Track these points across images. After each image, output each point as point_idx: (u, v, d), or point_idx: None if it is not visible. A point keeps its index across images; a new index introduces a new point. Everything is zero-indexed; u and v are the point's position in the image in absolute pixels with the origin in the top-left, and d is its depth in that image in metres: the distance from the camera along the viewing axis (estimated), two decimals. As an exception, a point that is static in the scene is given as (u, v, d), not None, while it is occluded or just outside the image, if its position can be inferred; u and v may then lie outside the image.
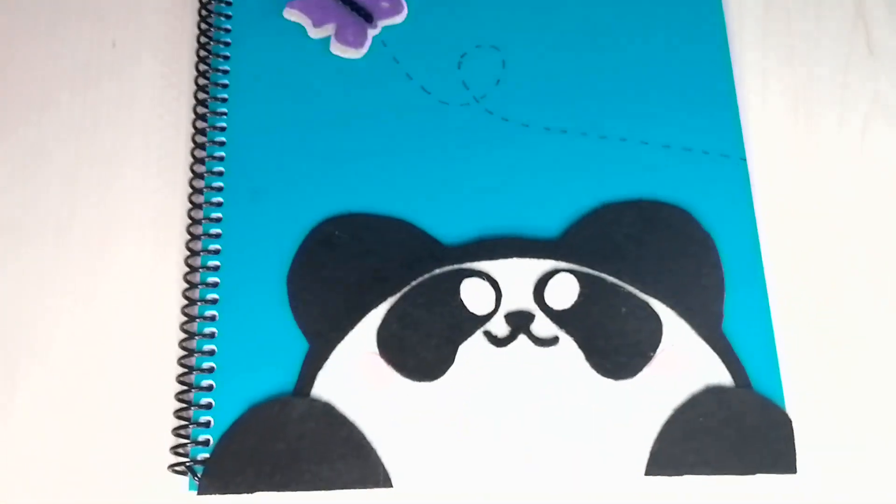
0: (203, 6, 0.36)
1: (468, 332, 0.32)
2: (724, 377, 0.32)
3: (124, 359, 0.32)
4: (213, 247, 0.33)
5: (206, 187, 0.34)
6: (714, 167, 0.35)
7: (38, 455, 0.31)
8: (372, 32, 0.36)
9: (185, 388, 0.31)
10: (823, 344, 0.33)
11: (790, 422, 0.31)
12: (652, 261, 0.33)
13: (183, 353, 0.32)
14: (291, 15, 0.36)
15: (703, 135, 0.35)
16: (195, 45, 0.36)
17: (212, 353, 0.32)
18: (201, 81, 0.35)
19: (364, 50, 0.36)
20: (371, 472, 0.30)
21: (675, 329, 0.32)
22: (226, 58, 0.36)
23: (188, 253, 0.33)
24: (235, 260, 0.33)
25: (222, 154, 0.34)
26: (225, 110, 0.35)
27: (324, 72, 0.35)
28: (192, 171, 0.34)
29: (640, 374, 0.32)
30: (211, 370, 0.31)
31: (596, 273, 0.33)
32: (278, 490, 0.30)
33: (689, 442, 0.31)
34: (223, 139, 0.34)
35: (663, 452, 0.31)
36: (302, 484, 0.30)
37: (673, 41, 0.36)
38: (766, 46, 0.38)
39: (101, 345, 0.32)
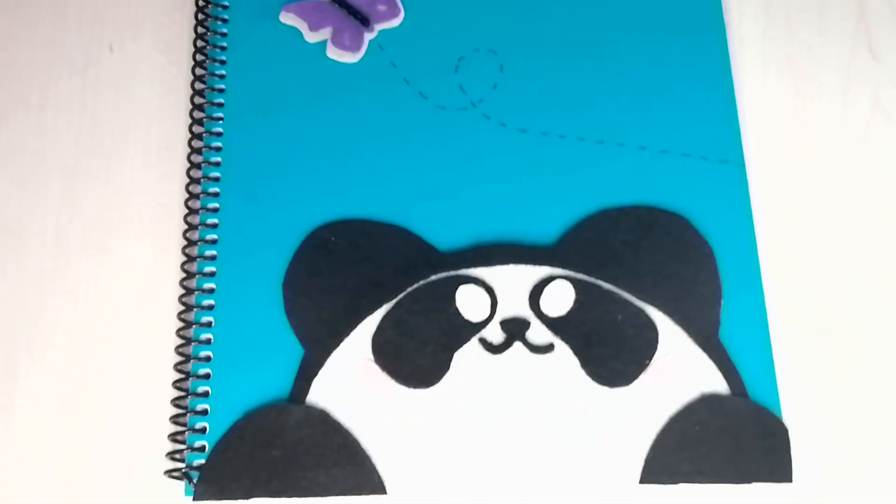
0: (200, 10, 0.36)
1: (463, 339, 0.32)
2: (720, 385, 0.32)
3: (121, 363, 0.32)
4: (209, 252, 0.33)
5: (203, 192, 0.34)
6: (712, 173, 0.35)
7: (35, 459, 0.31)
8: (368, 36, 0.36)
9: (181, 393, 0.31)
10: (820, 352, 0.33)
11: (786, 431, 0.31)
12: (649, 268, 0.33)
13: (179, 358, 0.32)
14: (288, 19, 0.36)
15: (702, 140, 0.35)
16: (192, 48, 0.36)
17: (208, 359, 0.32)
18: (198, 86, 0.35)
19: (360, 54, 0.36)
20: (366, 480, 0.30)
21: (672, 336, 0.32)
22: (222, 62, 0.35)
23: (185, 258, 0.33)
24: (232, 265, 0.33)
25: (219, 159, 0.34)
26: (221, 115, 0.35)
27: (320, 76, 0.35)
28: (189, 175, 0.34)
29: (635, 382, 0.32)
30: (207, 376, 0.32)
31: (592, 280, 0.33)
32: (274, 496, 0.30)
33: (685, 450, 0.31)
34: (219, 144, 0.34)
35: (658, 460, 0.31)
36: (297, 490, 0.30)
37: (672, 46, 0.36)
38: (767, 51, 0.37)
39: (97, 349, 0.32)
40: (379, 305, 0.32)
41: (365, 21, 0.36)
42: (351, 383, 0.32)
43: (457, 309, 0.32)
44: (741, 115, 0.36)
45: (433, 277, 0.33)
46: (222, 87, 0.35)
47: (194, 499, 0.30)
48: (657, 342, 0.32)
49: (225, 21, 0.36)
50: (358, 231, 0.33)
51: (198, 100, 0.35)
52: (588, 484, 0.31)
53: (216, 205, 0.34)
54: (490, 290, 0.33)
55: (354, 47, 0.35)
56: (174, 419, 0.31)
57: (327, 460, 0.31)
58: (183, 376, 0.32)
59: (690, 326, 0.32)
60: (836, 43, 0.38)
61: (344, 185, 0.34)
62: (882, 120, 0.37)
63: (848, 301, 0.34)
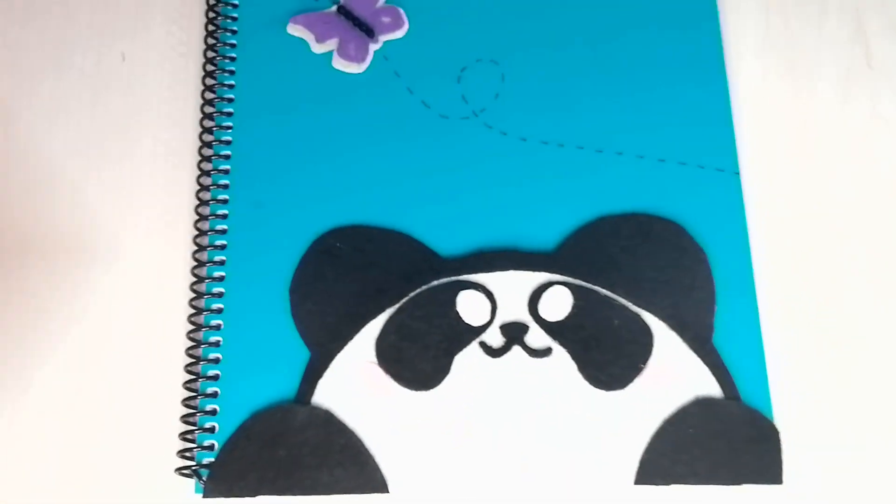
0: (209, 21, 0.37)
1: (464, 343, 0.33)
2: (713, 389, 0.33)
3: (133, 365, 0.33)
4: (218, 258, 0.34)
5: (213, 199, 0.35)
6: (709, 181, 0.35)
7: (51, 456, 0.33)
8: (373, 47, 0.37)
9: (191, 394, 0.32)
10: (812, 357, 0.34)
11: (777, 433, 0.32)
12: (645, 274, 0.34)
13: (189, 360, 0.33)
14: (295, 30, 0.37)
15: (699, 149, 0.36)
16: (202, 59, 0.37)
17: (217, 360, 0.33)
18: (207, 95, 0.36)
19: (366, 65, 0.36)
20: (368, 479, 0.32)
21: (666, 341, 0.33)
22: (231, 72, 0.36)
23: (194, 263, 0.34)
24: (240, 271, 0.34)
25: (227, 167, 0.35)
26: (230, 124, 0.36)
27: (327, 86, 0.36)
28: (199, 182, 0.35)
29: (631, 386, 0.33)
30: (216, 377, 0.33)
31: (589, 286, 0.34)
32: (280, 494, 0.31)
33: (678, 452, 0.32)
34: (228, 152, 0.35)
35: (653, 462, 0.32)
36: (302, 489, 0.31)
37: (670, 56, 0.37)
38: (764, 61, 0.38)
39: (110, 352, 0.34)
40: (382, 310, 0.33)
41: (370, 32, 0.37)
42: (355, 385, 0.33)
43: (458, 313, 0.33)
44: (737, 124, 0.36)
45: (435, 283, 0.34)
46: (231, 96, 0.36)
47: (204, 496, 0.31)
48: (652, 347, 0.33)
49: (234, 32, 0.37)
50: (362, 237, 0.34)
51: (207, 108, 0.36)
52: (584, 484, 0.32)
53: (225, 211, 0.35)
54: (490, 295, 0.33)
55: (360, 58, 0.36)
56: (184, 418, 0.32)
57: (331, 460, 0.32)
58: (193, 377, 0.33)
59: (685, 331, 0.33)
60: (834, 51, 0.38)
61: (349, 192, 0.35)
62: (879, 129, 0.37)
63: (841, 306, 0.34)
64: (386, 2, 0.37)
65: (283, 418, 0.32)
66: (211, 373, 0.33)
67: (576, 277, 0.34)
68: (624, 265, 0.34)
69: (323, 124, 0.36)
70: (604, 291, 0.34)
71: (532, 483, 0.32)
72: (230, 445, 0.32)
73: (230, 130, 0.36)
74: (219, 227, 0.34)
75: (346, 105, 0.36)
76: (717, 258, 0.34)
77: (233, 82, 0.36)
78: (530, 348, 0.33)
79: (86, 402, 0.33)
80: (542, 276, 0.34)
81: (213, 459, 0.32)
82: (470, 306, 0.33)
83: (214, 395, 0.32)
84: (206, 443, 0.32)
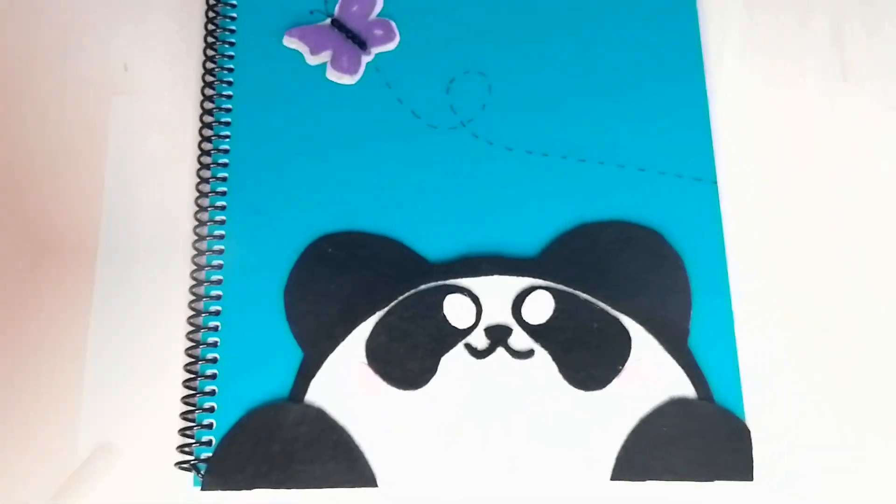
0: (208, 33, 0.38)
1: (450, 345, 0.35)
2: (687, 390, 0.34)
3: (134, 363, 0.35)
4: (216, 262, 0.36)
5: (211, 205, 0.36)
6: (686, 190, 0.37)
7: (55, 449, 0.34)
8: (366, 59, 0.38)
9: (190, 391, 0.34)
10: (783, 360, 0.35)
11: (749, 432, 0.34)
12: (624, 279, 0.35)
13: (189, 359, 0.35)
14: (291, 42, 0.38)
15: (678, 159, 0.37)
16: (201, 70, 0.38)
17: (214, 360, 0.34)
18: (206, 105, 0.38)
19: (358, 76, 0.38)
20: (358, 473, 0.33)
21: (644, 344, 0.35)
22: (229, 83, 0.38)
23: (194, 267, 0.36)
24: (237, 274, 0.35)
25: (225, 174, 0.37)
26: (228, 133, 0.37)
27: (321, 96, 0.38)
28: (198, 189, 0.37)
29: (609, 386, 0.34)
30: (214, 376, 0.34)
31: (571, 290, 0.35)
32: (274, 487, 0.33)
33: (653, 450, 0.34)
34: (226, 160, 0.37)
35: (628, 459, 0.33)
36: (295, 482, 0.33)
37: (651, 69, 0.38)
38: (742, 73, 0.39)
39: (112, 351, 0.35)
40: (373, 312, 0.35)
41: (362, 45, 0.38)
42: (346, 384, 0.34)
43: (444, 316, 0.35)
44: (715, 135, 0.38)
45: (423, 287, 0.35)
46: (229, 106, 0.38)
47: (202, 489, 0.33)
48: (630, 349, 0.35)
49: (232, 44, 0.38)
50: (354, 242, 0.36)
51: (207, 118, 0.37)
52: (563, 480, 0.33)
53: (223, 217, 0.36)
54: (475, 299, 0.35)
55: (352, 70, 0.38)
56: (183, 415, 0.34)
57: (323, 455, 0.33)
58: (192, 376, 0.34)
59: (661, 334, 0.35)
60: (810, 67, 0.39)
61: (341, 198, 0.36)
62: (855, 139, 0.38)
63: (811, 310, 0.36)
64: (378, 15, 0.39)
65: (278, 415, 0.34)
66: (209, 371, 0.34)
67: (557, 282, 0.35)
68: (604, 271, 0.36)
69: (317, 133, 0.37)
70: (584, 296, 0.35)
71: (513, 478, 0.33)
72: (227, 441, 0.33)
73: (228, 139, 0.37)
74: (217, 233, 0.36)
75: (339, 115, 0.38)
76: (693, 264, 0.36)
77: (231, 93, 0.38)
78: (513, 350, 0.35)
79: (88, 398, 0.35)
80: (526, 281, 0.35)
81: (210, 454, 0.33)
82: (456, 309, 0.35)
83: (212, 392, 0.34)
84: (205, 438, 0.34)
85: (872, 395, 0.35)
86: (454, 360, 0.34)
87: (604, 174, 0.37)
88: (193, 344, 0.35)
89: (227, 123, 0.37)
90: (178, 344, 0.35)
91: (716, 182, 0.37)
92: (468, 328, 0.35)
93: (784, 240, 0.37)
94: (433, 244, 0.36)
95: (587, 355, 0.34)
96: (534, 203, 0.36)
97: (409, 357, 0.34)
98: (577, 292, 0.35)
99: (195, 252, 0.36)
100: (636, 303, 0.35)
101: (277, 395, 0.34)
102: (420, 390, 0.34)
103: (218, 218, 0.36)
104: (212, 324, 0.35)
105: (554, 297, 0.35)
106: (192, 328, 0.35)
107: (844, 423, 0.35)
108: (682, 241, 0.36)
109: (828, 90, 0.39)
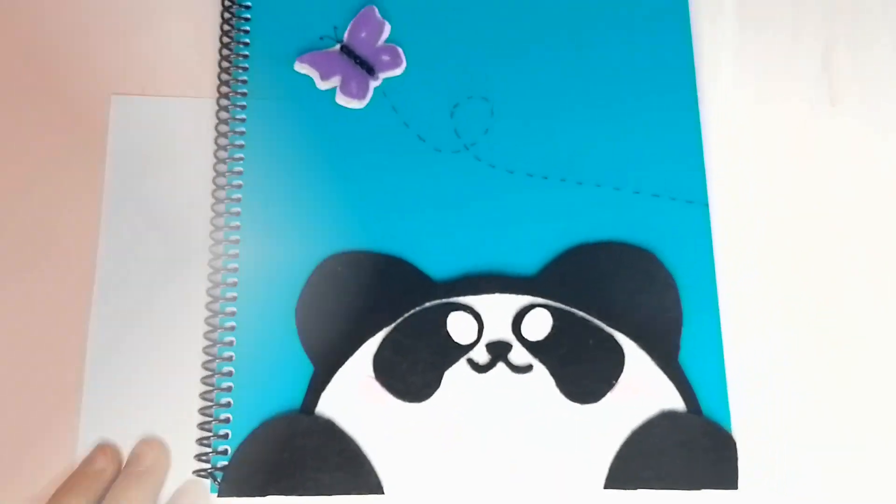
0: (223, 58, 0.40)
1: (453, 360, 0.36)
2: (677, 403, 0.36)
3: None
4: (231, 280, 0.37)
5: (226, 226, 0.38)
6: (679, 212, 0.38)
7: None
8: (373, 84, 0.40)
9: (207, 404, 0.36)
10: (768, 375, 0.37)
11: (734, 444, 0.36)
12: (618, 298, 0.37)
13: (206, 373, 0.36)
14: (302, 68, 0.40)
15: (671, 183, 0.39)
16: (216, 94, 0.40)
17: (230, 374, 0.36)
18: (221, 128, 0.39)
19: (366, 101, 0.39)
20: (365, 481, 0.35)
21: (636, 360, 0.37)
22: (243, 107, 0.39)
23: (210, 284, 0.37)
24: (251, 293, 0.37)
25: (239, 196, 0.38)
26: (242, 155, 0.39)
27: (330, 120, 0.39)
28: (213, 210, 0.38)
29: (603, 400, 0.36)
30: (229, 389, 0.36)
31: (568, 308, 0.37)
32: (286, 494, 0.35)
33: (645, 460, 0.36)
34: (240, 182, 0.39)
35: (621, 468, 0.35)
36: (306, 489, 0.35)
37: (647, 96, 0.40)
38: (734, 99, 0.41)
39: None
40: (379, 328, 0.37)
41: (370, 70, 0.40)
42: (354, 397, 0.36)
43: (447, 333, 0.37)
44: (707, 160, 0.39)
45: (427, 304, 0.37)
46: (243, 129, 0.39)
47: (219, 495, 0.35)
48: (623, 365, 0.36)
49: (245, 69, 0.40)
50: (362, 262, 0.38)
51: (222, 141, 0.39)
52: (559, 487, 0.35)
53: (237, 237, 0.38)
54: (477, 316, 0.37)
55: (361, 95, 0.39)
56: (201, 426, 0.36)
57: (332, 464, 0.35)
58: (209, 389, 0.36)
59: (653, 351, 0.37)
60: (800, 92, 0.41)
61: (349, 219, 0.38)
62: (843, 162, 0.40)
63: (798, 329, 0.38)
64: (385, 41, 0.40)
65: (290, 426, 0.36)
66: (225, 385, 0.36)
67: (555, 300, 0.37)
68: (600, 289, 0.37)
69: (327, 156, 0.39)
70: (580, 313, 0.37)
71: (513, 487, 0.35)
72: (242, 450, 0.35)
73: (242, 161, 0.39)
74: (231, 252, 0.38)
75: (348, 138, 0.39)
76: (685, 284, 0.37)
77: (244, 116, 0.39)
78: (513, 365, 0.36)
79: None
80: (525, 299, 0.37)
81: (226, 463, 0.35)
82: (459, 326, 0.37)
83: (228, 404, 0.36)
84: (221, 448, 0.36)
85: (854, 409, 0.37)
86: (457, 374, 0.36)
87: (600, 196, 0.39)
88: (210, 358, 0.36)
89: (241, 146, 0.39)
90: (195, 357, 0.37)
91: (707, 205, 0.39)
92: (470, 344, 0.37)
93: (772, 260, 0.39)
94: (437, 263, 0.38)
95: (583, 370, 0.36)
96: (533, 224, 0.38)
97: (413, 371, 0.36)
98: (574, 310, 0.37)
99: (211, 270, 0.37)
100: (630, 320, 0.37)
101: (289, 407, 0.36)
102: (424, 403, 0.36)
103: (232, 238, 0.38)
104: (227, 339, 0.37)
105: (552, 315, 0.37)
106: (208, 343, 0.37)
107: (828, 434, 0.37)
108: (675, 261, 0.38)
109: (817, 114, 0.41)
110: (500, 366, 0.36)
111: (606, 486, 0.35)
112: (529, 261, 0.38)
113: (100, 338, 0.37)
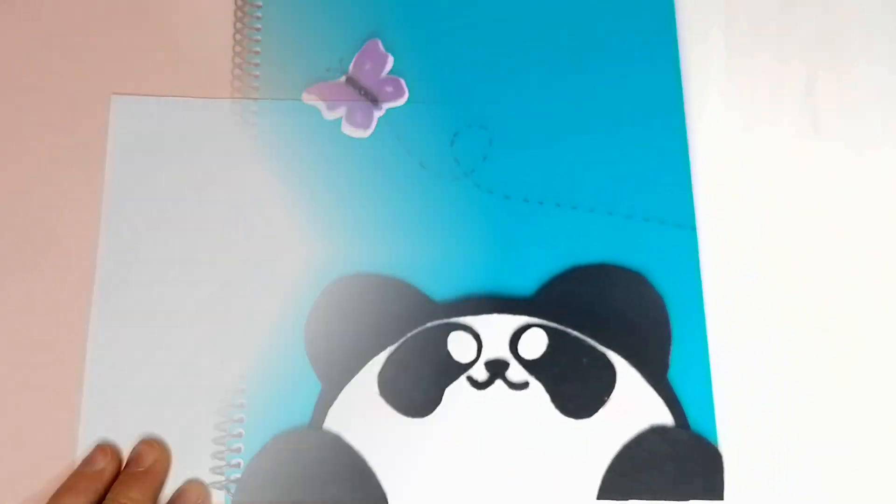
0: (234, 89, 0.42)
1: (453, 377, 0.38)
2: (666, 418, 0.38)
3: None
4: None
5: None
6: (668, 236, 0.40)
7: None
8: (377, 114, 0.41)
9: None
10: (753, 392, 0.39)
11: (721, 457, 0.38)
12: (611, 318, 0.39)
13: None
14: (309, 99, 0.42)
15: (661, 207, 0.41)
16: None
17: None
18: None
19: (371, 130, 0.41)
20: (370, 493, 0.37)
21: (627, 377, 0.38)
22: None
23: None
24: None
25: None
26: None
27: (336, 149, 0.41)
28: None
29: (596, 415, 0.38)
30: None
31: (562, 328, 0.39)
32: (296, 505, 0.37)
33: (635, 472, 0.37)
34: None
35: (613, 480, 0.37)
36: (314, 501, 0.37)
37: (637, 125, 0.42)
38: (721, 133, 0.42)
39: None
40: (383, 348, 0.39)
41: (374, 101, 0.42)
42: (360, 413, 0.38)
43: (448, 352, 0.39)
44: (695, 186, 0.41)
45: (429, 324, 0.39)
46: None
47: (232, 505, 0.37)
48: (615, 381, 0.38)
49: (255, 100, 0.42)
50: (366, 284, 0.40)
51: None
52: (554, 498, 0.37)
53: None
54: (476, 336, 0.39)
55: (365, 124, 0.41)
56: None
57: (339, 476, 0.37)
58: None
59: (643, 368, 0.39)
60: (785, 119, 0.43)
61: (356, 244, 0.40)
62: (825, 191, 0.42)
63: (783, 347, 0.40)
64: (389, 73, 0.42)
65: (299, 441, 0.37)
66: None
67: (550, 320, 0.39)
68: (593, 310, 0.39)
69: (333, 183, 0.41)
70: (574, 333, 0.39)
71: (511, 497, 0.37)
72: (254, 464, 0.37)
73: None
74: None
75: (353, 166, 0.41)
76: (674, 304, 0.39)
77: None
78: (511, 382, 0.38)
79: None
80: (522, 319, 0.39)
81: (239, 475, 0.37)
82: (459, 345, 0.39)
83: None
84: (234, 461, 0.37)
85: (838, 423, 0.39)
86: (457, 391, 0.38)
87: (593, 221, 0.41)
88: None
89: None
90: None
91: (695, 228, 0.40)
92: (470, 362, 0.38)
93: (757, 281, 0.40)
94: (438, 285, 0.39)
95: (577, 387, 0.38)
96: (529, 247, 0.40)
97: (416, 388, 0.38)
98: (569, 330, 0.39)
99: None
100: (621, 339, 0.39)
101: (298, 423, 0.38)
102: (426, 418, 0.38)
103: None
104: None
105: (547, 334, 0.39)
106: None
107: (810, 446, 0.38)
108: (664, 283, 0.40)
109: (802, 140, 0.42)
110: (498, 383, 0.38)
111: (599, 497, 0.37)
112: (526, 283, 0.40)
113: (100, 338, 0.38)
